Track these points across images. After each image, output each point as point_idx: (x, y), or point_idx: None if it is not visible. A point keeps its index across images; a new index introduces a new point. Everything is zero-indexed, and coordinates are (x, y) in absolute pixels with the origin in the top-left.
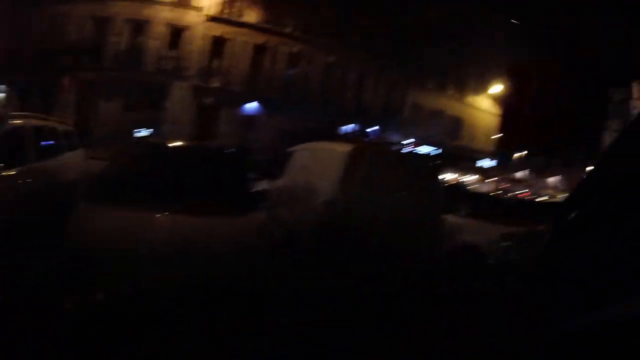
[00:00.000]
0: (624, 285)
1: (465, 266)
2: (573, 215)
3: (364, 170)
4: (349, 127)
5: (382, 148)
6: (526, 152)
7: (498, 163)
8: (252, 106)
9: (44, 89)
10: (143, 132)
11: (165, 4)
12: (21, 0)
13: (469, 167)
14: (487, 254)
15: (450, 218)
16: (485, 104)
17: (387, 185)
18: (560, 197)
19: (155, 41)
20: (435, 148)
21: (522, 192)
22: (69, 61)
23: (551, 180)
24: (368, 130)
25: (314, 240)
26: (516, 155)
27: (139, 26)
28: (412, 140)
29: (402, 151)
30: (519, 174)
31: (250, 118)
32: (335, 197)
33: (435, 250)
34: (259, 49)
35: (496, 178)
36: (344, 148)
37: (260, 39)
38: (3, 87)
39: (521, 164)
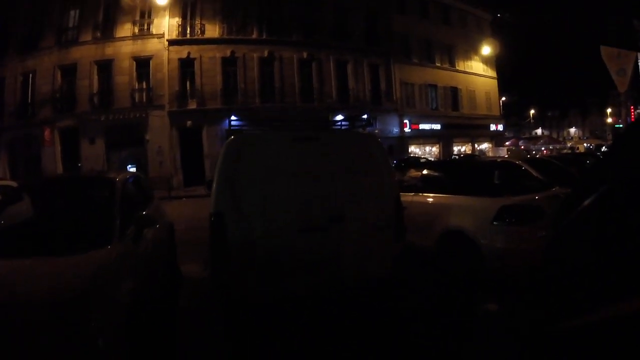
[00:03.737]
0: (624, 285)
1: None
2: (572, 214)
3: None
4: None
5: None
6: None
7: None
8: (233, 119)
9: (27, 142)
10: (132, 168)
11: (126, 38)
12: None
13: None
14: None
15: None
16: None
17: None
18: None
19: (124, 77)
20: None
21: None
22: (46, 113)
23: None
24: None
25: None
26: None
27: (106, 65)
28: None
29: None
30: None
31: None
32: None
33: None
34: (229, 61)
35: None
36: None
37: (227, 50)
38: None
39: None
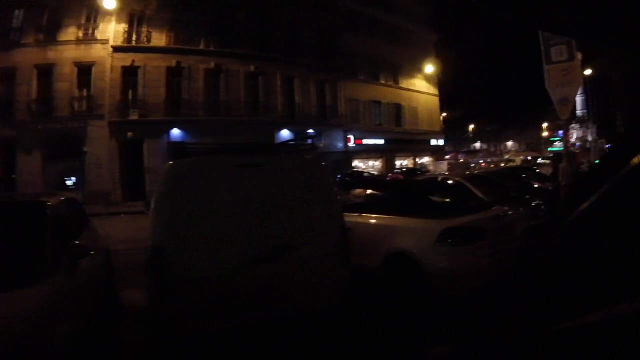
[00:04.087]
0: (624, 285)
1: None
2: (572, 213)
3: None
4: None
5: None
6: None
7: None
8: (175, 132)
9: None
10: (70, 182)
11: (69, 42)
12: None
13: None
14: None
15: None
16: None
17: None
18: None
19: (64, 83)
20: None
21: None
22: None
23: None
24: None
25: None
26: None
27: (47, 70)
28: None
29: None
30: None
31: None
32: None
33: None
34: (174, 71)
35: None
36: None
37: (173, 60)
38: None
39: None
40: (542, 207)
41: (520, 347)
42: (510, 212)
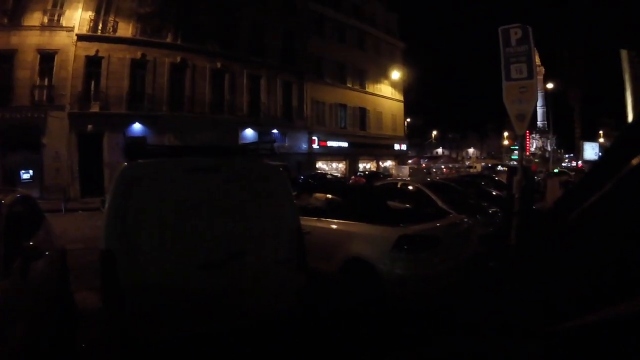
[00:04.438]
0: (624, 285)
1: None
2: (572, 214)
3: None
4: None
5: None
6: None
7: None
8: (137, 127)
9: None
10: (27, 175)
11: (33, 28)
12: None
13: None
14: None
15: None
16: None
17: None
18: None
19: (26, 71)
20: None
21: None
22: None
23: None
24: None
25: None
26: None
27: (9, 56)
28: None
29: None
30: None
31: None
32: None
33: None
34: (138, 64)
35: None
36: None
37: (138, 52)
38: None
39: None
40: (499, 214)
41: (520, 348)
42: (466, 220)
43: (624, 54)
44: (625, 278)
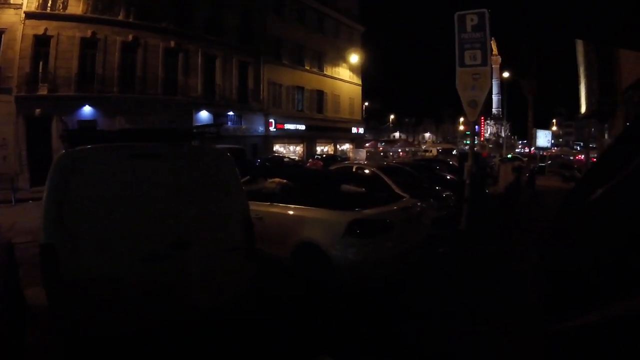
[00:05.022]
0: (625, 285)
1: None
2: (572, 213)
3: None
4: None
5: None
6: None
7: None
8: (87, 110)
9: None
10: None
11: None
12: None
13: None
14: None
15: None
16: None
17: None
18: None
19: None
20: None
21: None
22: None
23: None
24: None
25: None
26: None
27: None
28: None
29: None
30: None
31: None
32: None
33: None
34: (88, 43)
35: None
36: None
37: (88, 31)
38: None
39: None
40: (452, 198)
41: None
42: (419, 204)
43: (579, 44)
44: (625, 278)
